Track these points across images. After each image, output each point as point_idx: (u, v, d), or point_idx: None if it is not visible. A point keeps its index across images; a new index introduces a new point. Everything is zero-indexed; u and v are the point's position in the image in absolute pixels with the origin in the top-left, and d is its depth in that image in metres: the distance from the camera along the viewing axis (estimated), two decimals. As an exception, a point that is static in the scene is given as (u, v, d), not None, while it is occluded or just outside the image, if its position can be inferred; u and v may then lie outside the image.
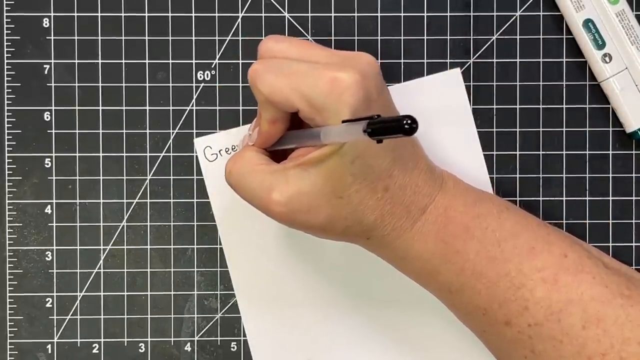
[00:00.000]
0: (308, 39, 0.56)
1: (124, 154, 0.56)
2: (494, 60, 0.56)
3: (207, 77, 0.56)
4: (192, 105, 0.56)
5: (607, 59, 0.54)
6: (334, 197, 0.45)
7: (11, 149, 0.56)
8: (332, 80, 0.43)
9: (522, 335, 0.46)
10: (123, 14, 0.56)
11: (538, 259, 0.46)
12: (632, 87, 0.54)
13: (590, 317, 0.45)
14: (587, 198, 0.56)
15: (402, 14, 0.56)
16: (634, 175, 0.56)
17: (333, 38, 0.56)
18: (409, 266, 0.49)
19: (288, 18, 0.56)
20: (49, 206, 0.56)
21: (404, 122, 0.36)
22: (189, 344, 0.56)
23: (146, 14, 0.56)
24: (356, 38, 0.56)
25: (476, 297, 0.47)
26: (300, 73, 0.44)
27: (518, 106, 0.56)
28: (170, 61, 0.56)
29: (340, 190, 0.45)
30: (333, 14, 0.56)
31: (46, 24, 0.56)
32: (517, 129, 0.56)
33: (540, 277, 0.46)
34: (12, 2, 0.55)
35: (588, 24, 0.54)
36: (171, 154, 0.56)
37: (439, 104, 0.55)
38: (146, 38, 0.56)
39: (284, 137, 0.48)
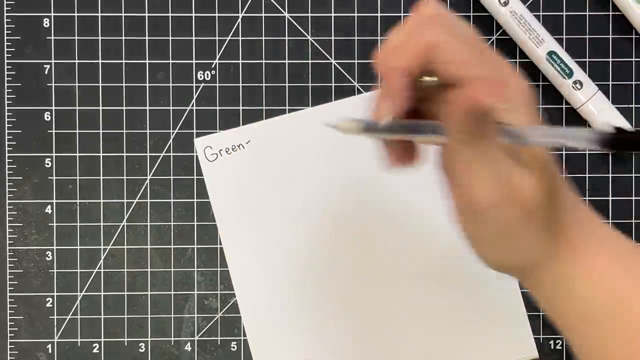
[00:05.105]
0: (307, 39, 0.56)
1: (124, 154, 0.56)
2: (494, 60, 0.56)
3: (207, 77, 0.56)
4: (192, 105, 0.56)
5: (578, 85, 0.54)
6: (554, 200, 0.40)
7: (11, 149, 0.56)
8: (507, 69, 0.39)
9: None
10: (123, 14, 0.56)
11: None
12: (608, 106, 0.54)
13: None
14: (587, 198, 0.56)
15: (402, 14, 0.56)
16: (633, 175, 0.56)
17: (333, 38, 0.56)
18: (570, 308, 0.43)
19: (288, 18, 0.56)
20: (49, 206, 0.56)
21: None
22: (189, 344, 0.56)
23: (146, 14, 0.56)
24: (356, 38, 0.56)
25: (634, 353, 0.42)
26: (477, 47, 0.39)
27: (518, 106, 0.56)
28: (170, 61, 0.56)
29: (556, 194, 0.40)
30: (333, 14, 0.56)
31: (46, 24, 0.56)
32: (517, 129, 0.56)
33: None
34: (12, 2, 0.55)
35: (552, 56, 0.54)
36: (171, 154, 0.56)
37: (439, 104, 0.55)
38: (146, 38, 0.56)
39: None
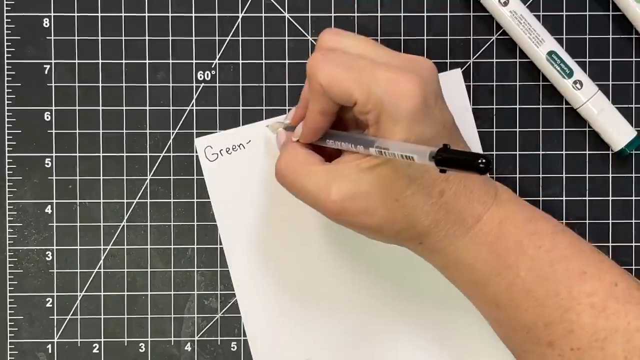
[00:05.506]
0: (307, 39, 0.56)
1: (124, 154, 0.56)
2: (494, 60, 0.56)
3: (207, 77, 0.56)
4: (192, 105, 0.56)
5: (578, 85, 0.54)
6: (390, 199, 0.45)
7: (11, 149, 0.56)
8: (393, 80, 0.43)
9: (563, 358, 0.46)
10: (123, 14, 0.56)
11: (588, 284, 0.46)
12: (608, 106, 0.54)
13: (633, 347, 0.45)
14: (587, 198, 0.56)
15: (402, 14, 0.56)
16: (633, 175, 0.56)
17: (333, 38, 0.56)
18: (460, 275, 0.48)
19: (288, 18, 0.56)
20: (49, 206, 0.56)
21: (479, 161, 0.35)
22: (189, 344, 0.56)
23: (146, 14, 0.56)
24: (356, 38, 0.56)
25: (522, 314, 0.46)
26: (362, 67, 0.44)
27: (518, 106, 0.56)
28: (170, 61, 0.56)
29: (396, 192, 0.45)
30: (333, 14, 0.56)
31: (46, 24, 0.56)
32: (517, 129, 0.56)
33: (589, 302, 0.45)
34: (12, 2, 0.55)
35: (552, 55, 0.54)
36: (171, 154, 0.56)
37: (439, 104, 0.55)
38: (146, 38, 0.56)
39: (329, 134, 0.48)
